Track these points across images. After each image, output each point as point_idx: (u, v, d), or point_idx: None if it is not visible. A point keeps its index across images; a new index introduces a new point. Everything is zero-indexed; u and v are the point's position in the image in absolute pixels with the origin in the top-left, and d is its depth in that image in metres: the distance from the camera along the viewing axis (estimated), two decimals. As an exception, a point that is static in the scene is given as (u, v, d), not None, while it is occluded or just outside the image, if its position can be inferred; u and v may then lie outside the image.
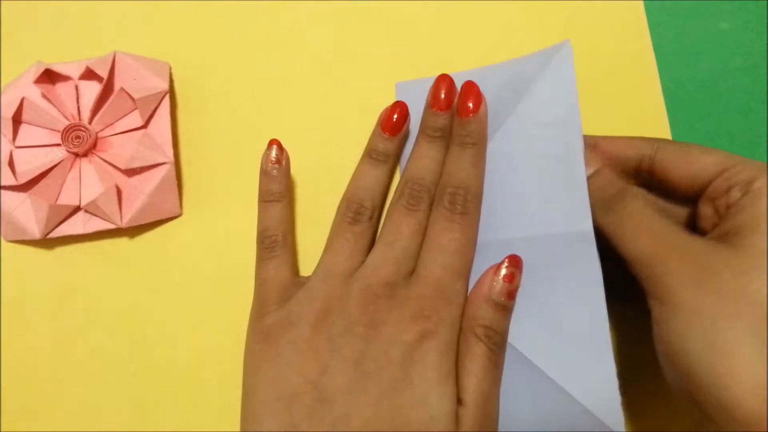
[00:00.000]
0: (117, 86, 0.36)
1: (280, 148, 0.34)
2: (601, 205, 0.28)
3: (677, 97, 0.38)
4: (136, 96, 0.35)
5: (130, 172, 0.35)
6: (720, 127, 0.38)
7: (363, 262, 0.30)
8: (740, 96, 0.38)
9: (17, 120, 0.36)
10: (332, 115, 0.37)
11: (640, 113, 0.37)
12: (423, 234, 0.31)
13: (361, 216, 0.31)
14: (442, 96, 0.32)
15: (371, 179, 0.33)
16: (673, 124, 0.37)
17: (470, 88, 0.32)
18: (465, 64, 0.38)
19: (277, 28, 0.39)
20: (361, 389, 0.27)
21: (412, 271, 0.30)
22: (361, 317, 0.28)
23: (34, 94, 0.36)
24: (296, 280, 0.31)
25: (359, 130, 0.37)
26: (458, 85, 0.33)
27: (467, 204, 0.30)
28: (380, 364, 0.27)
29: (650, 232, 0.26)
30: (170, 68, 0.38)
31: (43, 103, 0.36)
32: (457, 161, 0.31)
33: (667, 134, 0.37)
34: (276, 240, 0.31)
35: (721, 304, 0.22)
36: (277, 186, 0.33)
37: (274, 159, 0.33)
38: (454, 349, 0.28)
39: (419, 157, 0.32)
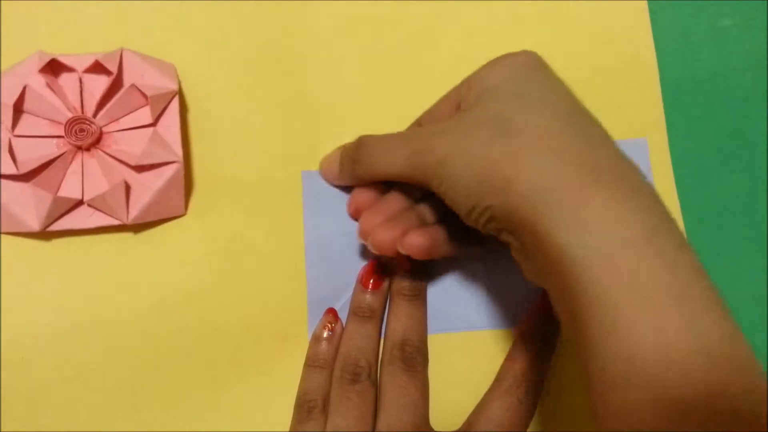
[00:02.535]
0: (126, 82, 0.35)
1: (336, 317, 0.35)
2: (348, 169, 0.34)
3: (676, 96, 0.38)
4: (148, 93, 0.34)
5: (140, 168, 0.34)
6: (719, 127, 0.38)
7: (373, 425, 0.31)
8: (740, 95, 0.38)
9: (18, 109, 0.34)
10: (340, 115, 0.38)
11: (637, 113, 0.38)
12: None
13: (359, 376, 0.32)
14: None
15: (361, 337, 0.34)
16: (671, 124, 0.37)
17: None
18: (466, 64, 0.38)
19: (285, 28, 0.39)
20: None
21: None
22: None
23: (37, 83, 0.35)
24: None
25: (369, 130, 0.37)
26: None
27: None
28: None
29: (399, 153, 0.30)
30: (176, 69, 0.37)
31: (47, 93, 0.35)
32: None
33: (663, 136, 0.37)
34: (315, 406, 0.32)
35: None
36: (325, 353, 0.34)
37: (328, 326, 0.34)
38: None
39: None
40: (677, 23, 0.39)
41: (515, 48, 0.38)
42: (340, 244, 0.36)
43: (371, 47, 0.39)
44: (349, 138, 0.38)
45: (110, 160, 0.34)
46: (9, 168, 0.33)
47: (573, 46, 0.39)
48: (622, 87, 0.38)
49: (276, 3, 0.39)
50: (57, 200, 0.33)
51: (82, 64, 0.36)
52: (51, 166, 0.34)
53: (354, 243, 0.36)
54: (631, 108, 0.38)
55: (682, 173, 0.37)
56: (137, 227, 0.35)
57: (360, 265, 0.36)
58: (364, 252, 0.36)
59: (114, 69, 0.35)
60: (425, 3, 0.39)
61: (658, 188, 0.35)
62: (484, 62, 0.38)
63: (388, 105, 0.38)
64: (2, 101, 0.34)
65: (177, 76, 0.37)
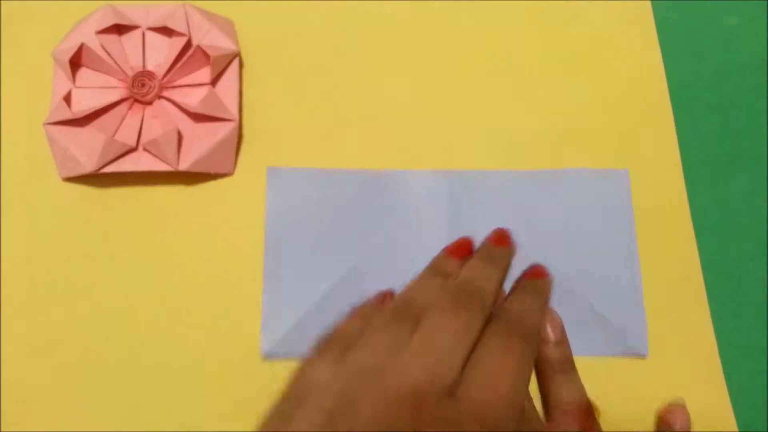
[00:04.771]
0: (193, 42, 0.36)
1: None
2: None
3: (683, 96, 0.38)
4: (211, 54, 0.35)
5: (198, 118, 0.35)
6: (725, 126, 0.38)
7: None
8: (746, 94, 0.38)
9: (77, 63, 0.36)
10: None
11: (646, 113, 0.38)
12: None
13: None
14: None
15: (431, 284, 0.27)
16: (679, 124, 0.38)
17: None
18: (470, 63, 0.39)
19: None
20: None
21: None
22: None
23: (96, 41, 0.36)
24: None
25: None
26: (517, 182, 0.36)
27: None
28: None
29: None
30: (234, 26, 0.38)
31: (104, 52, 0.36)
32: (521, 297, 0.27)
33: (671, 134, 0.37)
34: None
35: None
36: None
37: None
38: None
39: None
40: (682, 22, 0.39)
41: (518, 48, 0.39)
42: (301, 248, 0.35)
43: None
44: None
45: (168, 111, 0.36)
46: (65, 114, 0.34)
47: (577, 47, 0.39)
48: (628, 86, 0.38)
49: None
50: (111, 142, 0.34)
51: (146, 19, 0.37)
52: (108, 113, 0.35)
53: (316, 251, 0.34)
54: (639, 108, 0.38)
55: (690, 171, 0.37)
56: (188, 180, 0.36)
57: (322, 269, 0.34)
58: (328, 258, 0.34)
59: (185, 30, 0.36)
60: (423, 3, 0.40)
61: (668, 188, 0.37)
62: (486, 62, 0.39)
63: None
64: (61, 58, 0.35)
65: (236, 34, 0.37)
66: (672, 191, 0.37)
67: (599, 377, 0.32)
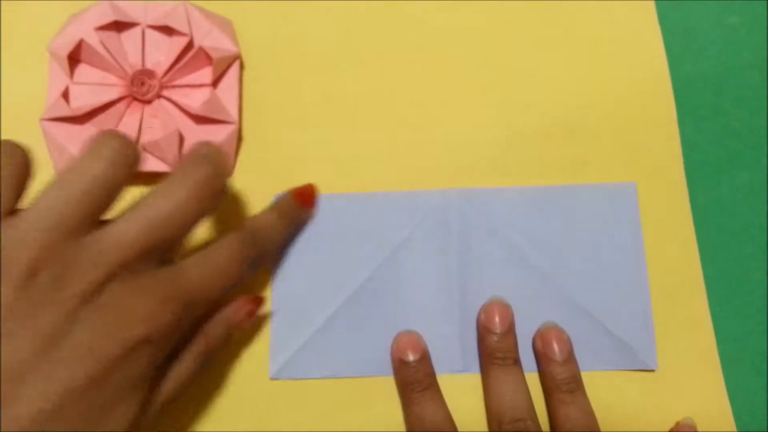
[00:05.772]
0: (195, 43, 0.36)
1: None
2: None
3: (685, 95, 0.38)
4: (213, 55, 0.35)
5: (199, 120, 0.35)
6: (727, 126, 0.38)
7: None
8: (748, 94, 0.38)
9: (75, 59, 0.36)
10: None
11: (649, 113, 0.38)
12: None
13: None
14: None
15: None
16: (681, 123, 0.37)
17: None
18: (473, 64, 0.39)
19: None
20: (45, 376, 0.21)
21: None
22: (81, 288, 0.23)
23: (95, 36, 0.35)
24: None
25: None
26: (521, 202, 0.36)
27: None
28: (80, 356, 0.22)
29: None
30: (233, 27, 0.38)
31: (103, 48, 0.36)
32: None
33: (675, 133, 0.37)
34: None
35: None
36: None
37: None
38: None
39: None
40: (684, 21, 0.39)
41: (520, 49, 0.39)
42: (308, 272, 0.35)
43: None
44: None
45: (169, 112, 0.35)
46: (64, 111, 0.34)
47: (580, 47, 0.39)
48: (633, 86, 0.38)
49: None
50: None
51: (145, 17, 0.36)
52: (107, 111, 0.35)
53: (323, 273, 0.35)
54: (642, 107, 0.38)
55: (692, 171, 0.37)
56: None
57: (332, 297, 0.34)
58: (335, 280, 0.34)
59: (186, 30, 0.35)
60: (424, 3, 0.39)
61: (669, 187, 0.36)
62: (488, 63, 0.39)
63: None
64: (59, 53, 0.35)
65: (235, 35, 0.37)
66: (673, 190, 0.37)
67: (600, 386, 0.33)
